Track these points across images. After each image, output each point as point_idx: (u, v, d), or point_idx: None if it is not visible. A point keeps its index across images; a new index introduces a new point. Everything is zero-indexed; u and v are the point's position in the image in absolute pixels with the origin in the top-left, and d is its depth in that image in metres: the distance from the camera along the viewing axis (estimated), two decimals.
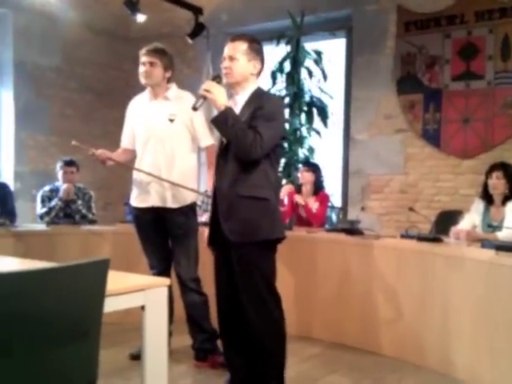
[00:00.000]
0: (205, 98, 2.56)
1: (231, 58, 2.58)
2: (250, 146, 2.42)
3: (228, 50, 2.61)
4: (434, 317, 3.26)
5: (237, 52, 2.58)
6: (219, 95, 2.50)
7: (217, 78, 2.62)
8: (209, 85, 2.55)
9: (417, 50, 5.13)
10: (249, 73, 2.61)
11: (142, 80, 3.26)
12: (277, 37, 5.57)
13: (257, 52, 2.63)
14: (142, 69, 3.23)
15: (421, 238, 3.51)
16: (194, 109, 2.63)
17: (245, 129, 2.44)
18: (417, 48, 5.12)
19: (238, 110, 2.59)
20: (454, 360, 3.12)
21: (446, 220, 4.07)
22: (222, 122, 2.49)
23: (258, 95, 2.60)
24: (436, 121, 5.05)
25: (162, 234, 3.32)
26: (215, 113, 2.55)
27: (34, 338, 1.47)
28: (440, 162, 5.02)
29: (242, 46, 2.59)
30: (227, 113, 2.48)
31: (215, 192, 2.64)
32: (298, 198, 4.48)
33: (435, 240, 3.46)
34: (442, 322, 3.20)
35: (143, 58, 3.23)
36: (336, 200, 5.66)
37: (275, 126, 2.52)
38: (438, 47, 5.02)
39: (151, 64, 3.21)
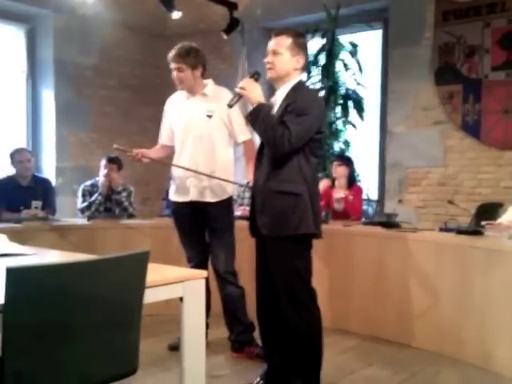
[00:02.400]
0: (240, 95, 2.59)
1: (275, 53, 2.59)
2: (279, 142, 2.43)
3: (272, 44, 2.61)
4: (473, 310, 3.21)
5: (281, 47, 2.58)
6: (254, 92, 2.53)
7: (255, 75, 2.63)
8: (245, 82, 2.59)
9: (455, 40, 5.02)
10: (292, 68, 2.61)
11: (178, 85, 3.32)
12: (312, 30, 5.55)
13: (301, 47, 2.62)
14: (173, 75, 3.29)
15: (460, 231, 3.46)
16: (230, 106, 2.67)
17: (274, 124, 2.46)
18: (455, 38, 5.02)
19: (278, 104, 2.60)
20: (494, 354, 3.07)
21: (487, 213, 3.99)
22: (253, 118, 2.53)
23: (295, 89, 2.60)
24: (476, 112, 4.94)
25: (199, 228, 3.37)
26: (251, 108, 2.58)
27: (80, 324, 1.53)
28: (480, 154, 4.91)
29: (287, 41, 2.58)
30: (259, 109, 2.51)
31: (254, 186, 2.69)
32: (337, 193, 4.48)
33: (475, 233, 3.40)
34: (482, 315, 3.15)
35: (171, 65, 3.28)
36: (372, 193, 5.62)
37: (306, 121, 2.49)
38: (478, 36, 4.90)
39: (178, 69, 3.24)
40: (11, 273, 1.40)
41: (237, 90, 2.59)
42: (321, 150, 2.77)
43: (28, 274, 1.43)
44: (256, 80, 2.60)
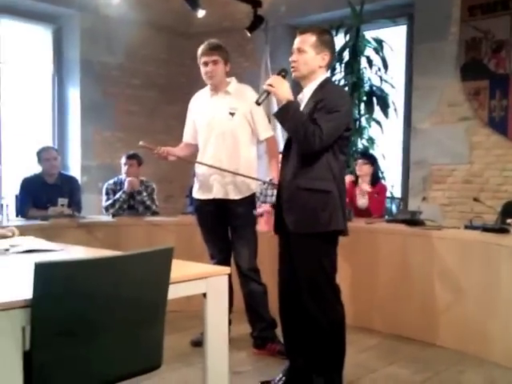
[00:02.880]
0: (268, 92, 2.59)
1: (299, 51, 2.59)
2: (309, 139, 2.43)
3: (297, 42, 2.62)
4: (498, 309, 3.17)
5: (305, 44, 2.58)
6: (282, 89, 2.53)
7: (282, 72, 2.63)
8: (273, 79, 2.59)
9: (482, 35, 4.94)
10: (317, 65, 2.60)
11: (208, 81, 3.31)
12: (336, 26, 5.52)
13: (326, 44, 2.61)
14: (204, 69, 3.28)
15: (486, 229, 3.42)
16: (258, 103, 2.68)
17: (305, 122, 2.45)
18: (482, 33, 4.93)
19: (304, 101, 2.60)
20: None
21: None
22: (283, 115, 2.52)
23: (323, 86, 2.60)
24: (503, 108, 4.85)
25: (222, 225, 3.40)
26: (274, 106, 2.59)
27: (106, 319, 1.57)
28: (508, 151, 4.82)
29: (311, 39, 2.58)
30: (288, 106, 2.50)
31: (280, 182, 2.69)
32: (364, 186, 4.46)
33: (501, 231, 3.36)
34: (507, 314, 3.11)
35: (204, 58, 3.27)
36: (396, 191, 5.57)
37: (336, 118, 2.49)
38: (505, 31, 4.81)
39: (214, 62, 3.26)
40: (39, 268, 1.43)
41: (265, 87, 2.60)
42: (348, 147, 2.76)
43: (56, 270, 1.46)
44: (283, 77, 2.60)
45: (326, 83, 2.65)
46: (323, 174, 2.53)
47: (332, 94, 2.56)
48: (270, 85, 2.55)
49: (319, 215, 2.52)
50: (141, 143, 3.35)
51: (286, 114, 2.50)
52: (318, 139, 2.43)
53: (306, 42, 2.59)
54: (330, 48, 2.64)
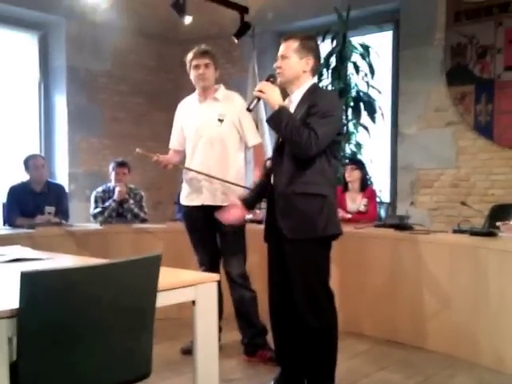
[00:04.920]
0: (259, 98, 2.59)
1: (283, 57, 2.61)
2: (305, 144, 2.43)
3: (280, 49, 2.64)
4: (487, 313, 3.18)
5: (288, 51, 2.60)
6: (273, 95, 2.52)
7: (271, 78, 2.63)
8: (263, 85, 2.59)
9: (467, 41, 4.99)
10: (301, 70, 2.61)
11: (200, 83, 3.30)
12: (323, 32, 5.54)
13: (309, 49, 2.62)
14: (196, 72, 3.27)
15: (474, 233, 3.44)
16: (249, 110, 2.67)
17: (299, 127, 2.44)
18: (467, 38, 4.99)
19: (293, 108, 2.60)
20: (509, 357, 3.04)
21: (500, 214, 3.96)
22: (276, 121, 2.51)
23: (313, 92, 2.61)
24: (488, 112, 4.90)
25: (211, 232, 3.38)
26: (262, 112, 2.58)
27: (93, 327, 1.55)
28: (494, 155, 4.87)
29: (294, 44, 2.60)
30: (281, 112, 2.49)
31: (272, 189, 2.66)
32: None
33: (489, 234, 3.38)
34: (496, 317, 3.12)
35: (195, 61, 3.27)
36: (384, 195, 5.59)
37: (330, 123, 2.50)
38: (490, 36, 4.87)
39: (206, 66, 3.26)
40: (26, 277, 1.41)
41: (255, 93, 2.59)
42: (339, 152, 2.78)
43: (42, 278, 1.44)
44: (272, 83, 2.60)
45: (315, 88, 2.67)
46: (318, 179, 2.54)
47: (325, 99, 2.57)
48: (261, 91, 2.55)
49: (316, 220, 2.52)
50: (138, 150, 3.34)
51: (279, 120, 2.49)
52: (315, 145, 2.43)
53: (289, 48, 2.61)
54: (314, 53, 2.65)
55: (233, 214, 2.86)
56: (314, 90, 2.63)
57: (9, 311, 1.43)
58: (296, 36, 2.64)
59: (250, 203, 2.87)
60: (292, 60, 2.59)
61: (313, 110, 2.49)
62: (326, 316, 2.58)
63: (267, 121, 2.59)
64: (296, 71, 2.60)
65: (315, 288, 2.56)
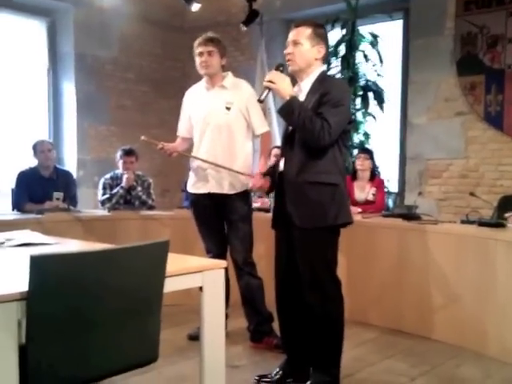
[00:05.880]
0: (269, 89, 2.56)
1: (295, 43, 2.57)
2: (319, 134, 2.41)
3: (292, 35, 2.59)
4: (495, 304, 3.17)
5: (301, 37, 2.56)
6: (283, 85, 2.50)
7: (280, 67, 2.60)
8: (272, 75, 2.55)
9: (478, 30, 4.94)
10: (313, 58, 2.59)
11: (202, 70, 3.29)
12: (332, 21, 5.50)
13: (321, 37, 2.60)
14: (199, 59, 3.27)
15: (482, 224, 3.42)
16: (260, 101, 2.65)
17: (312, 117, 2.43)
18: (478, 28, 4.93)
19: (302, 96, 2.57)
20: None
21: (509, 205, 3.93)
22: (288, 111, 2.49)
23: (322, 80, 2.58)
24: (498, 102, 4.86)
25: (218, 219, 3.39)
26: (270, 101, 2.56)
27: (102, 312, 1.56)
28: (503, 146, 4.83)
29: (307, 31, 2.57)
30: (293, 102, 2.47)
31: (281, 177, 2.66)
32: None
33: (497, 225, 3.36)
34: (503, 308, 3.11)
35: (200, 49, 3.26)
36: (392, 185, 5.57)
37: (342, 112, 2.48)
38: (501, 26, 4.81)
39: (209, 53, 3.24)
40: (35, 261, 1.42)
41: (265, 83, 2.56)
42: (349, 141, 2.78)
43: (51, 262, 1.45)
44: (281, 72, 2.57)
45: (325, 77, 2.65)
46: (330, 168, 2.53)
47: (336, 88, 2.55)
48: (271, 81, 2.52)
49: (328, 209, 2.52)
50: (143, 138, 3.33)
51: (290, 110, 2.47)
52: (328, 134, 2.42)
53: (301, 34, 2.57)
54: (325, 41, 2.63)
55: (258, 180, 3.04)
56: (323, 78, 2.61)
57: (18, 294, 1.44)
58: (308, 22, 2.61)
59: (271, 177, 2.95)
60: (304, 47, 2.56)
61: (325, 99, 2.47)
62: (332, 304, 2.59)
63: (278, 111, 2.57)
64: (308, 59, 2.58)
65: (322, 276, 2.56)
